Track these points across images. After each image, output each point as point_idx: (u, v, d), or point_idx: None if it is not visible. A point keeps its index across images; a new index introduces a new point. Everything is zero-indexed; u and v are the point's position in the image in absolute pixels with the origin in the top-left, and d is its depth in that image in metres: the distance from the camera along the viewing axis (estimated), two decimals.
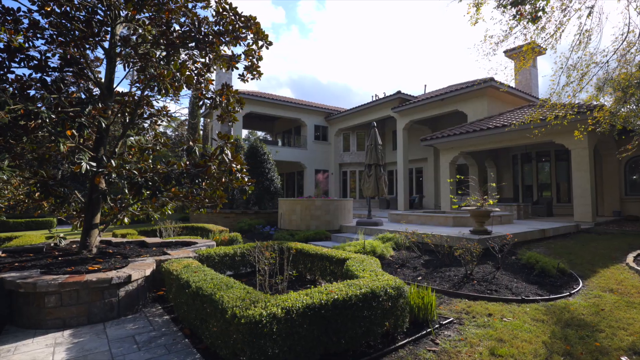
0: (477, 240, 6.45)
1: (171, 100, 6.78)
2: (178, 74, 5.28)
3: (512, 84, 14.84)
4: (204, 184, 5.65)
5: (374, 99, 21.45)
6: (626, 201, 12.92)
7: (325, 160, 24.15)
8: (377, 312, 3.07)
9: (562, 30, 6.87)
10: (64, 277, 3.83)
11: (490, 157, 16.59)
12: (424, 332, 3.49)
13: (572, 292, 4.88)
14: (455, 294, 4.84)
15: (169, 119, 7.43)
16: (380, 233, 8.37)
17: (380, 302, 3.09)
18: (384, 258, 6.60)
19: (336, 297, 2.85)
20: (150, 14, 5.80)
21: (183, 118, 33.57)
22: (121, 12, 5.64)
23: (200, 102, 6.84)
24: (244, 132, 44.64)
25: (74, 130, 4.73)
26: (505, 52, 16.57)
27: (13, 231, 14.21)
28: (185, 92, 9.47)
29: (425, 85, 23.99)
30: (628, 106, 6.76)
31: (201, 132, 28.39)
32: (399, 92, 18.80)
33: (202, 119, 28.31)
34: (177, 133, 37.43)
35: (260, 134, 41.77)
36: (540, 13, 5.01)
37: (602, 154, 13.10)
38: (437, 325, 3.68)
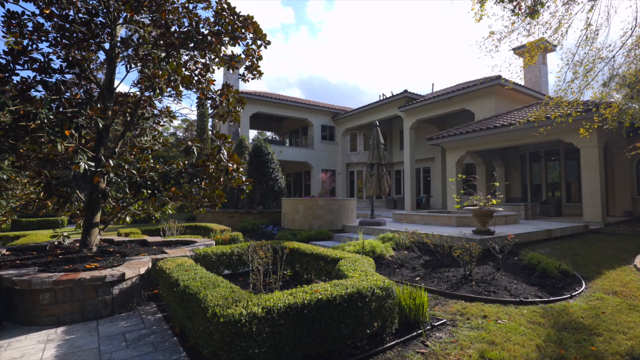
0: (479, 241, 6.34)
1: (173, 100, 6.82)
2: (174, 74, 5.31)
3: (520, 81, 14.53)
4: (202, 183, 5.69)
5: (382, 98, 21.32)
6: (638, 201, 12.55)
7: (332, 160, 24.11)
8: (363, 313, 3.03)
9: (569, 26, 6.71)
10: (59, 274, 3.89)
11: (498, 156, 16.32)
12: (415, 333, 3.44)
13: (574, 294, 4.75)
14: (452, 295, 4.76)
15: (171, 119, 7.49)
16: (382, 233, 8.30)
17: (367, 302, 3.05)
18: (383, 258, 6.54)
19: (320, 297, 2.82)
20: (148, 15, 5.86)
21: (193, 119, 33.96)
22: (121, 13, 5.72)
23: (201, 103, 6.89)
24: (254, 133, 44.92)
25: (72, 131, 4.82)
26: (514, 49, 16.28)
27: (26, 230, 14.54)
28: (188, 92, 9.53)
29: (433, 84, 23.75)
30: (637, 103, 6.54)
31: (210, 133, 28.65)
32: (405, 91, 18.64)
33: (210, 120, 28.56)
34: (187, 134, 37.88)
35: (268, 134, 41.97)
36: (538, 7, 4.88)
37: (614, 153, 12.75)
38: (428, 327, 3.62)
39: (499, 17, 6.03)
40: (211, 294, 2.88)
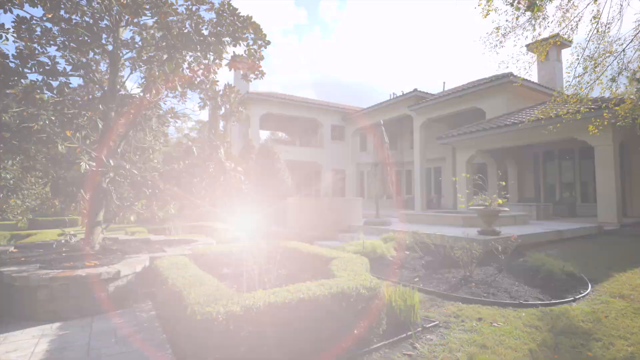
0: (482, 241, 6.19)
1: (179, 101, 6.92)
2: (172, 75, 5.38)
3: (532, 78, 14.14)
4: (203, 183, 5.75)
5: (392, 97, 21.13)
6: None
7: (342, 160, 24.03)
8: (348, 313, 2.99)
9: (579, 20, 6.49)
10: (56, 271, 3.99)
11: (511, 155, 15.92)
12: (404, 335, 3.37)
13: (577, 297, 4.57)
14: (449, 296, 4.65)
15: (176, 119, 7.60)
16: (386, 233, 8.21)
17: (352, 302, 3.01)
18: (384, 258, 6.46)
19: (302, 296, 2.80)
20: (150, 18, 5.95)
21: (206, 119, 34.47)
22: (123, 16, 5.83)
23: (205, 103, 6.96)
24: (265, 133, 45.17)
25: (73, 131, 4.95)
26: (526, 46, 15.87)
27: (43, 229, 14.96)
28: (192, 93, 9.63)
29: (444, 83, 23.37)
30: None
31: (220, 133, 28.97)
32: (415, 89, 18.43)
33: (222, 120, 28.88)
34: (200, 135, 38.45)
35: (280, 134, 42.19)
36: (537, 1, 4.71)
37: (631, 152, 12.27)
38: (419, 329, 3.55)
39: (502, 12, 5.88)
40: (195, 292, 2.90)
